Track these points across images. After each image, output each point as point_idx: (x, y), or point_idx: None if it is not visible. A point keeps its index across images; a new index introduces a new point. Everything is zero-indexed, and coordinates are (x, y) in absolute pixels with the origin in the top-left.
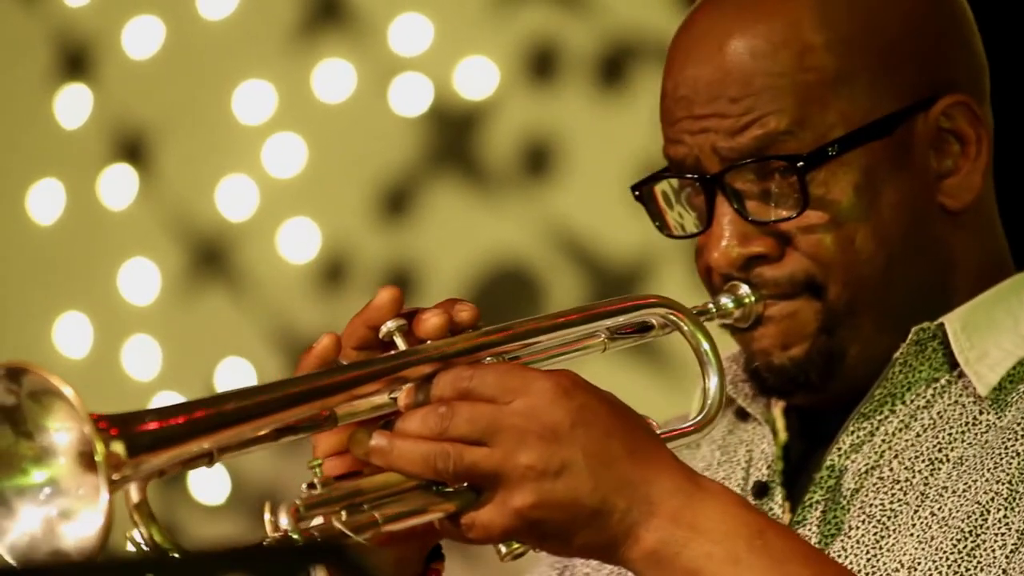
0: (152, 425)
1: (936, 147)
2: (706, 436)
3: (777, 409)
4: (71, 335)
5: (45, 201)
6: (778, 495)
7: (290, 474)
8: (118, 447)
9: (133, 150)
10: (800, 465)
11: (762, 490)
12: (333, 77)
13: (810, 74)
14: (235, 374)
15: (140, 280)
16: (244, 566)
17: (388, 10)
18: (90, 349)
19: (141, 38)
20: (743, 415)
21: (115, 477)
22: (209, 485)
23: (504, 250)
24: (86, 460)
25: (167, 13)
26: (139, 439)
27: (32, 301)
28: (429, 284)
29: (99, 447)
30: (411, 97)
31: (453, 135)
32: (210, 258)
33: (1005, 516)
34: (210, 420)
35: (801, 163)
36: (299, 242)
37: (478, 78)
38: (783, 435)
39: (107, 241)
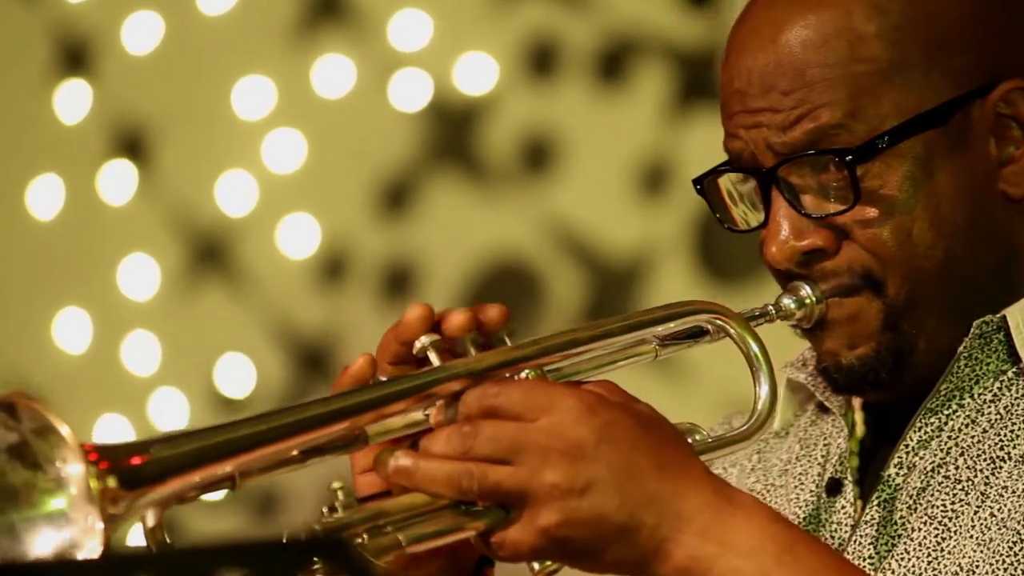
0: (153, 455)
1: (996, 134)
2: (755, 442)
3: (857, 402)
4: (71, 331)
5: (45, 197)
6: (850, 493)
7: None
8: (111, 480)
9: (133, 146)
10: (873, 461)
11: (835, 487)
12: (333, 73)
13: (862, 64)
14: (235, 370)
15: (140, 276)
16: (245, 562)
17: (388, 6)
18: (90, 345)
19: (140, 33)
20: (824, 408)
21: (113, 511)
22: None
23: (504, 246)
24: (90, 492)
25: (166, 8)
26: (139, 471)
27: (32, 297)
28: (429, 280)
29: (92, 482)
30: (411, 93)
31: (453, 131)
32: (210, 254)
33: None
34: (220, 447)
35: (850, 156)
36: (299, 238)
37: (478, 74)
38: (861, 429)
39: (107, 237)
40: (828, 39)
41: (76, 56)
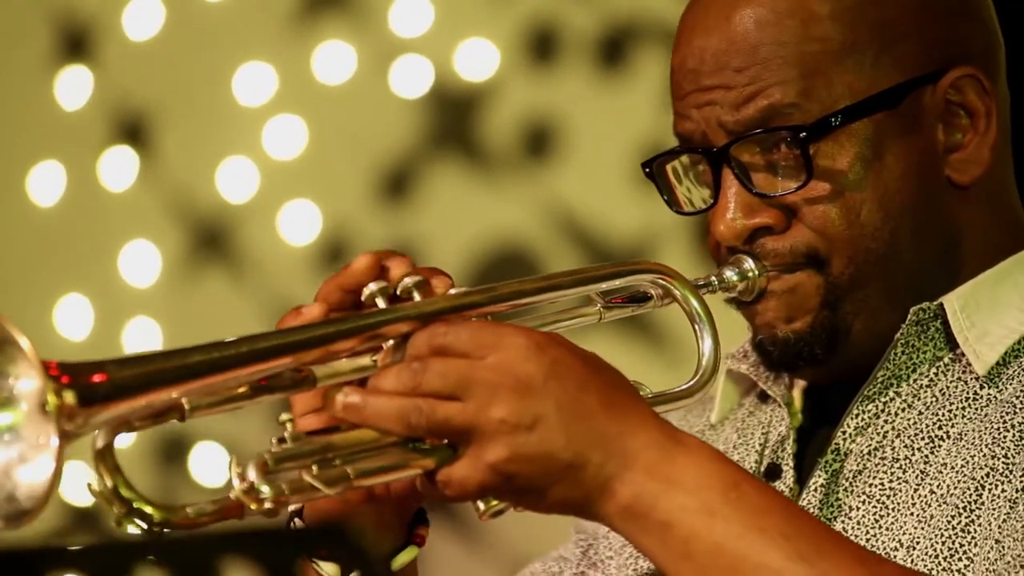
0: (109, 374)
1: (944, 120)
2: (699, 400)
3: (797, 390)
4: (72, 317)
5: (46, 183)
6: (789, 478)
7: None
8: (69, 396)
9: (134, 132)
10: (811, 447)
11: (774, 472)
12: (334, 59)
13: (815, 44)
14: None
15: (141, 262)
16: (246, 549)
17: None
18: (91, 331)
19: (142, 19)
20: (764, 397)
21: (68, 427)
22: (210, 465)
23: (505, 232)
24: (44, 408)
25: None
26: (95, 388)
27: (33, 283)
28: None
29: (50, 396)
30: (412, 79)
31: (454, 117)
32: (211, 240)
33: (1003, 490)
34: (172, 371)
35: (804, 134)
36: (299, 224)
37: (479, 60)
38: (799, 417)
39: (108, 223)
40: (782, 17)
41: (77, 42)
